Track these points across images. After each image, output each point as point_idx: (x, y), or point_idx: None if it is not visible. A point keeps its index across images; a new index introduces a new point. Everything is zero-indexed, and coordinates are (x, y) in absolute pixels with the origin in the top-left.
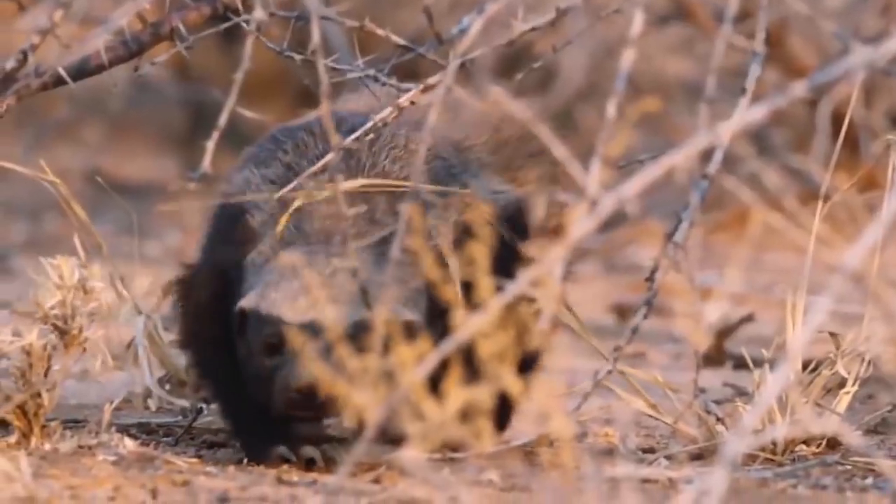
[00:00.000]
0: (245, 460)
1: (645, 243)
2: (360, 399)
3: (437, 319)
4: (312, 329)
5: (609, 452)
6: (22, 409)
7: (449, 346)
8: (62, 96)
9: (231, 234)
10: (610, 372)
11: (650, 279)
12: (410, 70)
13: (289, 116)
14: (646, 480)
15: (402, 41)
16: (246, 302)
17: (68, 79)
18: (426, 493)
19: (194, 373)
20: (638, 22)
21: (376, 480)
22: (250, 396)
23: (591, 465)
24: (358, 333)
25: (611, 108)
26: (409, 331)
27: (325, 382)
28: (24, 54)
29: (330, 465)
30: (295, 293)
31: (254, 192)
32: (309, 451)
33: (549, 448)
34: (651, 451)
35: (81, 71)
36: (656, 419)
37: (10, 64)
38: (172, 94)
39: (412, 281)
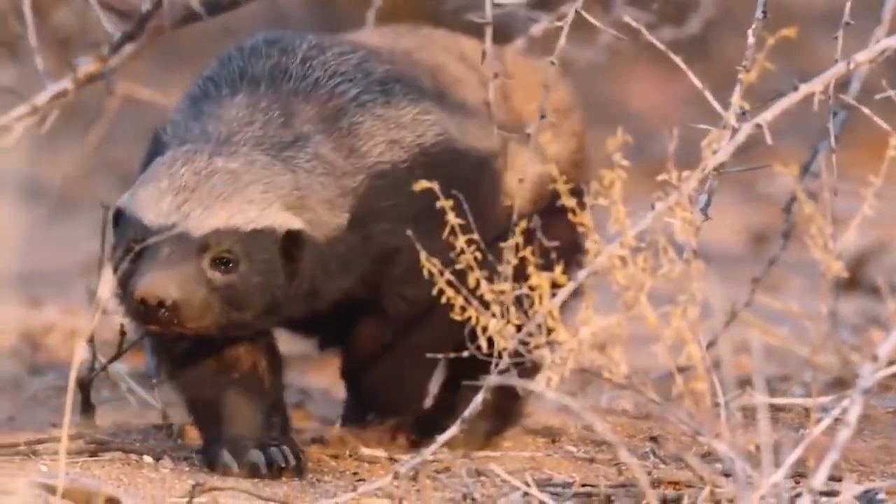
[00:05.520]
0: None
1: (781, 172)
2: (493, 326)
3: (570, 251)
4: (169, 233)
5: (744, 382)
6: None
7: (584, 274)
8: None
9: (149, 152)
10: (748, 304)
11: (787, 210)
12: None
13: None
14: (780, 409)
15: None
16: (120, 201)
17: (203, 14)
18: (560, 421)
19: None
20: None
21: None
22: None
23: (725, 393)
24: (218, 241)
25: (750, 37)
26: (294, 242)
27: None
28: None
29: (277, 470)
30: (161, 193)
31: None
32: (254, 455)
33: (683, 376)
34: (786, 379)
35: (215, 6)
36: (790, 349)
37: (145, 6)
38: (308, 26)
39: (324, 190)
